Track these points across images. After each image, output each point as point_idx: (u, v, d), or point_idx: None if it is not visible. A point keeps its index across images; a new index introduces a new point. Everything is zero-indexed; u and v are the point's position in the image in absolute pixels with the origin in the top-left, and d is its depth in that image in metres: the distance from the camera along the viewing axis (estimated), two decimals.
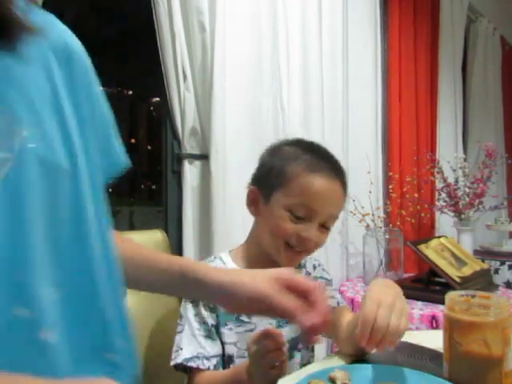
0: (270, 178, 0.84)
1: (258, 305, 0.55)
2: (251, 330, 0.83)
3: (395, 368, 0.65)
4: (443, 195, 2.09)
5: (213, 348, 0.81)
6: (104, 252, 0.41)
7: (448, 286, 1.46)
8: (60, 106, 0.38)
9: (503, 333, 0.59)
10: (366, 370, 0.65)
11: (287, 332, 0.86)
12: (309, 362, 0.89)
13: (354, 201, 1.78)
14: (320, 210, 0.81)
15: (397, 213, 2.08)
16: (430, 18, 2.50)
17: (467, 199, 2.03)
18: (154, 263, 0.62)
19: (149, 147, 2.29)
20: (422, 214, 2.17)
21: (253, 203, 0.87)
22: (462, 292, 0.65)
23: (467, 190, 2.03)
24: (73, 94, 0.40)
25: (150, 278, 0.62)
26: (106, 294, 0.41)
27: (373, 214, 1.87)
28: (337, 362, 0.74)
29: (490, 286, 1.67)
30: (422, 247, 1.57)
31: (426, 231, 2.31)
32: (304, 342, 0.84)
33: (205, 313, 0.83)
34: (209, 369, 0.79)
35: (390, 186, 2.08)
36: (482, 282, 1.61)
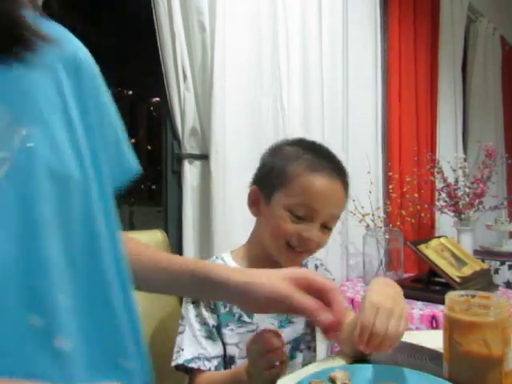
0: (271, 178, 0.83)
1: (277, 304, 0.55)
2: (253, 331, 0.82)
3: (395, 368, 0.65)
4: (443, 195, 2.09)
5: (214, 349, 0.81)
6: (116, 264, 0.41)
7: (448, 286, 1.46)
8: (69, 116, 0.38)
9: (503, 333, 0.59)
10: (366, 370, 0.65)
11: (289, 332, 0.86)
12: (310, 363, 0.89)
13: (354, 201, 1.78)
14: (321, 209, 0.80)
15: (397, 213, 2.08)
16: (430, 18, 2.50)
17: (467, 199, 2.03)
18: (166, 264, 0.62)
19: (149, 147, 2.29)
20: (422, 214, 2.17)
21: (254, 204, 0.87)
22: (462, 292, 0.65)
23: (467, 190, 2.03)
24: (81, 104, 0.40)
25: (159, 278, 0.62)
26: (119, 299, 0.41)
27: (373, 214, 1.87)
28: (337, 362, 0.74)
29: (490, 286, 1.67)
30: (422, 247, 1.57)
31: (425, 231, 2.31)
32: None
33: (206, 313, 0.82)
34: (210, 370, 0.78)
35: (390, 186, 2.08)
36: (482, 282, 1.61)
